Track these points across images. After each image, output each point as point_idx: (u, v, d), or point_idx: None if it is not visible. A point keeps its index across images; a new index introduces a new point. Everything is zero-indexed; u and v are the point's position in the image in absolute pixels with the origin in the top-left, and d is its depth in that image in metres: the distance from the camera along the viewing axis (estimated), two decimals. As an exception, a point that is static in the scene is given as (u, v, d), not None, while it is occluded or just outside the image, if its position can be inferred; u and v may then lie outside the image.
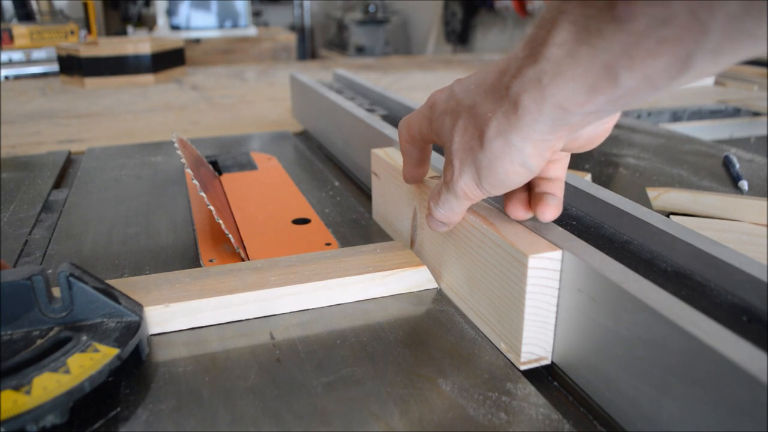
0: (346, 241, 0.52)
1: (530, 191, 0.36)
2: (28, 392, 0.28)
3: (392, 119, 0.72)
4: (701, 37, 0.21)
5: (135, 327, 0.33)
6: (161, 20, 2.62)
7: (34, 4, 2.75)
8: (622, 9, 0.23)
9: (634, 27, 0.23)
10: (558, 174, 0.35)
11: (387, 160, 0.50)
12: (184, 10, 2.66)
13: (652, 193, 0.58)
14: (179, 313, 0.37)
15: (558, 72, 0.26)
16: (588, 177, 0.65)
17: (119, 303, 0.34)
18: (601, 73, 0.24)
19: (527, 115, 0.28)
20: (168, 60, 1.55)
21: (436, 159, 0.47)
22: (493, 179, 0.31)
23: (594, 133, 0.32)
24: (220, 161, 0.71)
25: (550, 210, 0.34)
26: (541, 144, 0.29)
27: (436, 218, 0.37)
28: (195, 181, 0.48)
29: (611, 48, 0.24)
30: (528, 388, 0.32)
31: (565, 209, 0.41)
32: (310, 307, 0.40)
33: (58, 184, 0.70)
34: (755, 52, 0.22)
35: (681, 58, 0.22)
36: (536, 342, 0.33)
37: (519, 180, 0.31)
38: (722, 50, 0.21)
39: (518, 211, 0.36)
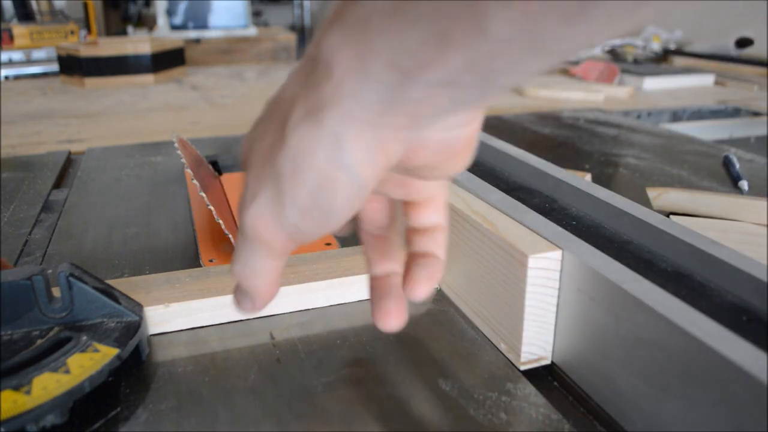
0: (346, 241, 0.52)
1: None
2: (28, 392, 0.28)
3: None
4: None
5: (135, 327, 0.33)
6: (161, 20, 2.62)
7: (34, 4, 2.75)
8: None
9: None
10: (432, 220, 0.26)
11: (387, 160, 0.50)
12: (184, 10, 2.66)
13: (652, 193, 0.58)
14: (179, 313, 0.37)
15: (396, 9, 0.16)
16: (588, 177, 0.65)
17: (119, 303, 0.34)
18: (461, 12, 0.15)
19: (345, 80, 0.18)
20: (168, 60, 1.55)
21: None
22: (298, 194, 0.20)
23: (446, 141, 0.22)
24: (220, 161, 0.71)
25: (420, 286, 0.25)
26: (370, 132, 0.19)
27: (235, 275, 0.24)
28: (195, 181, 0.48)
29: None
30: (528, 388, 0.32)
31: (564, 209, 0.41)
32: (310, 307, 0.40)
33: (58, 184, 0.70)
34: None
35: None
36: (536, 342, 0.34)
37: (340, 197, 0.20)
38: None
39: (388, 315, 0.26)
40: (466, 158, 0.23)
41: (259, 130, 0.22)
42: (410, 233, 0.27)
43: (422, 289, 0.25)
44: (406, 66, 0.17)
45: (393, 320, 0.26)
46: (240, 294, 0.25)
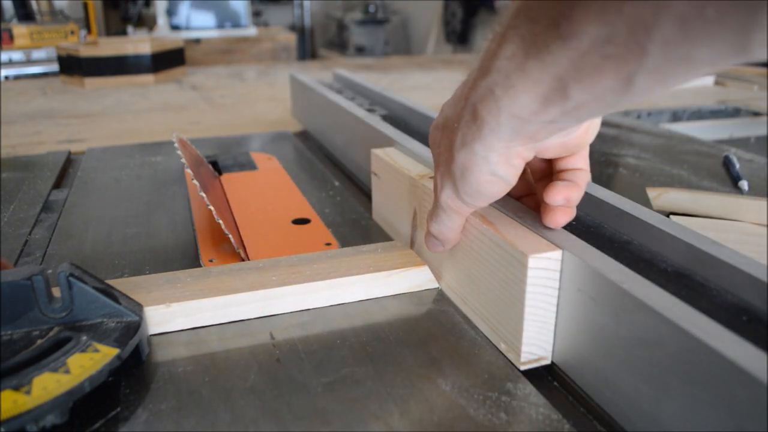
0: (346, 241, 0.52)
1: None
2: (28, 392, 0.28)
3: (392, 119, 0.72)
4: (641, 58, 0.22)
5: (135, 327, 0.33)
6: (161, 20, 2.62)
7: (34, 4, 2.75)
8: (565, 27, 0.24)
9: (578, 44, 0.23)
10: (577, 165, 0.35)
11: (387, 160, 0.50)
12: (184, 10, 2.66)
13: (652, 193, 0.58)
14: (179, 312, 0.37)
15: (510, 84, 0.27)
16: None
17: (119, 303, 0.34)
18: (552, 84, 0.25)
19: (485, 125, 0.29)
20: (168, 60, 1.55)
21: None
22: (468, 189, 0.32)
23: (564, 141, 0.32)
24: (220, 161, 0.71)
25: (558, 194, 0.33)
26: (506, 152, 0.30)
27: (431, 233, 0.37)
28: (195, 181, 0.48)
29: (559, 62, 0.24)
30: (528, 388, 0.32)
31: (565, 209, 0.41)
32: (310, 307, 0.40)
33: (58, 184, 0.70)
34: (697, 74, 0.22)
35: (624, 76, 0.23)
36: (536, 342, 0.33)
37: (495, 189, 0.32)
38: (663, 71, 0.22)
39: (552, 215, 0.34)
40: (590, 135, 0.33)
41: (438, 135, 0.34)
42: (558, 173, 0.35)
43: (558, 198, 0.33)
44: (522, 115, 0.27)
45: (561, 218, 0.34)
46: (432, 243, 0.38)
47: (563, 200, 0.34)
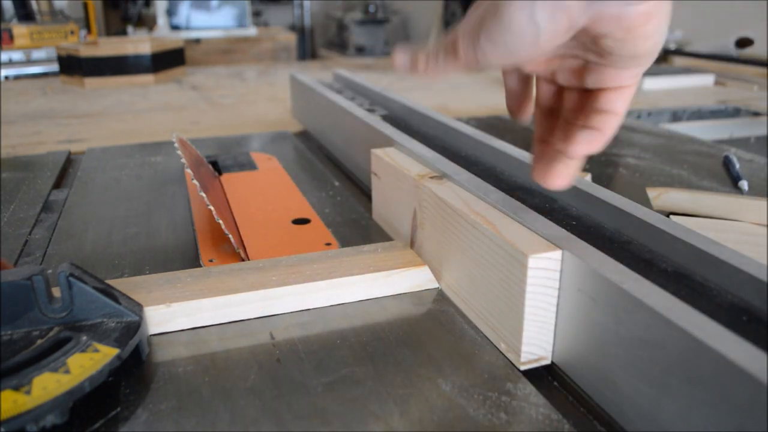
0: (346, 241, 0.52)
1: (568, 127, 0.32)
2: (28, 392, 0.28)
3: (392, 119, 0.72)
4: None
5: (135, 327, 0.33)
6: (161, 20, 2.62)
7: (34, 4, 2.75)
8: None
9: None
10: (613, 106, 0.31)
11: (387, 160, 0.50)
12: (184, 10, 2.66)
13: (652, 193, 0.58)
14: (180, 312, 0.37)
15: None
16: (588, 177, 0.65)
17: (119, 303, 0.34)
18: None
19: None
20: (168, 60, 1.55)
21: (436, 159, 0.47)
22: (494, 30, 0.28)
23: (621, 14, 0.27)
24: (220, 161, 0.71)
25: (579, 146, 0.30)
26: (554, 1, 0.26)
27: (417, 56, 0.32)
28: (195, 181, 0.48)
29: None
30: (528, 388, 0.32)
31: (564, 209, 0.41)
32: (310, 307, 0.40)
33: (58, 184, 0.70)
34: None
35: None
36: (536, 342, 0.34)
37: (522, 42, 0.27)
38: None
39: (549, 173, 0.31)
40: (648, 40, 0.28)
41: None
42: (589, 111, 0.31)
43: (579, 150, 0.30)
44: None
45: (558, 180, 0.31)
46: (409, 65, 0.32)
47: (585, 152, 0.31)
